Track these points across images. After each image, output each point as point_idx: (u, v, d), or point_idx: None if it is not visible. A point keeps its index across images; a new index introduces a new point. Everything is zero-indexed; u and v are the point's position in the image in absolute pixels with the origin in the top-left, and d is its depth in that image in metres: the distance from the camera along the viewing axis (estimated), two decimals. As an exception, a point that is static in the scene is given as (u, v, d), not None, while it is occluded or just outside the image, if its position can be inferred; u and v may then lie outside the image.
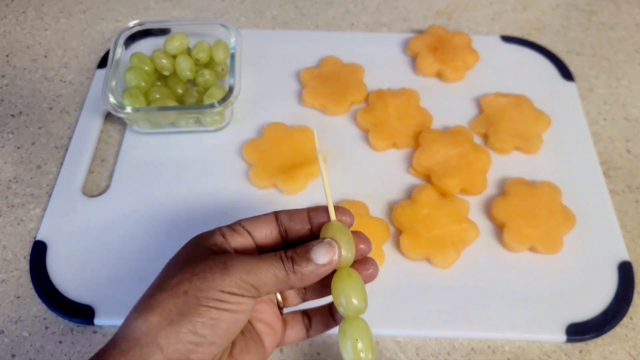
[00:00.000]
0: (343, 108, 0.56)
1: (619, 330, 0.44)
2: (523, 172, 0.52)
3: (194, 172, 0.51)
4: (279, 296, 0.34)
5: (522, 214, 0.47)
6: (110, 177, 0.52)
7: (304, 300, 0.35)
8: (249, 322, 0.32)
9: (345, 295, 0.31)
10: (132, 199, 0.50)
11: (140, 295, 0.43)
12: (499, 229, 0.48)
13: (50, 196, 0.50)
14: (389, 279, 0.45)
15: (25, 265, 0.46)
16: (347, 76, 0.58)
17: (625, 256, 0.47)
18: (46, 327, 0.43)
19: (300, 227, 0.32)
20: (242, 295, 0.28)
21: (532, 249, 0.47)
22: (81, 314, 0.43)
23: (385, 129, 0.53)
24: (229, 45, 0.56)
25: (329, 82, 0.57)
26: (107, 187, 0.51)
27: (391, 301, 0.44)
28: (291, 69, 0.60)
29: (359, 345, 0.31)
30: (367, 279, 0.33)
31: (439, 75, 0.59)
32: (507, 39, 0.64)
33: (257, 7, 0.68)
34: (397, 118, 0.54)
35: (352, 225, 0.33)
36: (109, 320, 0.43)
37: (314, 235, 0.32)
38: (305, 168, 0.50)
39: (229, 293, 0.28)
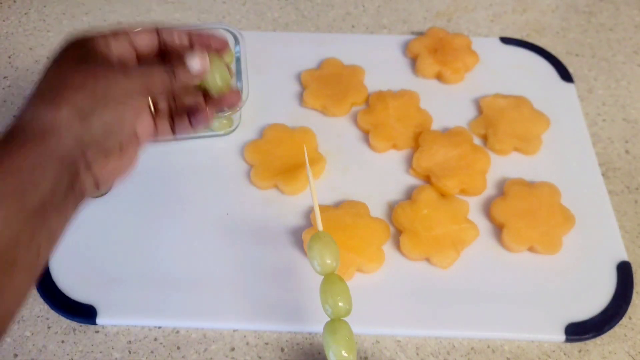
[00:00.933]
0: (343, 109, 0.56)
1: (618, 330, 0.44)
2: (522, 172, 0.52)
3: (195, 173, 0.52)
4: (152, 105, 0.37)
5: (522, 215, 0.48)
6: (112, 177, 0.52)
7: (174, 133, 0.39)
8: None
9: (333, 298, 0.36)
10: (134, 200, 0.50)
11: (140, 296, 0.44)
12: (499, 230, 0.48)
13: (52, 197, 0.50)
14: (389, 279, 0.45)
15: (27, 265, 0.47)
16: (347, 78, 0.58)
17: (624, 256, 0.47)
18: (48, 327, 0.43)
19: (179, 43, 0.37)
20: (140, 95, 0.33)
21: (531, 250, 0.47)
22: (83, 313, 0.43)
23: (386, 130, 0.54)
24: (233, 50, 0.56)
25: (329, 83, 0.57)
26: (109, 187, 0.51)
27: (391, 301, 0.44)
28: (292, 71, 0.60)
29: (343, 352, 0.35)
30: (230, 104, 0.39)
31: (439, 77, 0.60)
32: (507, 40, 0.64)
33: (258, 9, 0.68)
34: (397, 119, 0.55)
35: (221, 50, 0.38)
36: (111, 320, 0.43)
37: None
38: (305, 169, 0.50)
39: (130, 93, 0.32)
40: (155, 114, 0.37)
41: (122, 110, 0.31)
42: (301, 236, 0.47)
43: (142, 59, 0.35)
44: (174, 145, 0.54)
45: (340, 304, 0.36)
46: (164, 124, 0.38)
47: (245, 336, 0.43)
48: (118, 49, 0.33)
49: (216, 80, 0.37)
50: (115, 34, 0.34)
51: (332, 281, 0.37)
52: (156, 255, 0.46)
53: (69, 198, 0.30)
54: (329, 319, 0.36)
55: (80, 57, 0.32)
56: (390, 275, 0.46)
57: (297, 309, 0.44)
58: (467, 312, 0.44)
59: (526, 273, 0.46)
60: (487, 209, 0.49)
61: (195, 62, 0.34)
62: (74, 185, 0.30)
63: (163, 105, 0.38)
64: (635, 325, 0.44)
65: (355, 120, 0.56)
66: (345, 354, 0.35)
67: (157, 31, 0.36)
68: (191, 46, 0.37)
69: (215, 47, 0.38)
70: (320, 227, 0.37)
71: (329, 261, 0.37)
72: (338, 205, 0.49)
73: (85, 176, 0.31)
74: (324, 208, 0.48)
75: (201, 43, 0.37)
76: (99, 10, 0.67)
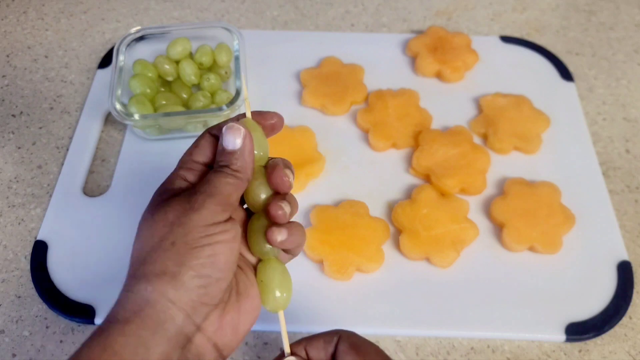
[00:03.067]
0: (343, 108, 0.56)
1: (618, 329, 0.44)
2: (522, 172, 0.52)
3: (195, 172, 0.52)
4: None
5: (522, 214, 0.48)
6: (111, 177, 0.52)
7: None
8: (244, 276, 0.31)
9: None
10: (133, 199, 0.50)
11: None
12: (499, 229, 0.48)
13: (50, 196, 0.50)
14: (389, 278, 0.45)
15: (26, 264, 0.46)
16: (347, 76, 0.58)
17: (624, 256, 0.47)
18: (47, 327, 0.43)
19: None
20: (221, 221, 0.28)
21: (531, 249, 0.47)
22: (82, 313, 0.43)
23: (385, 129, 0.53)
24: (232, 48, 0.56)
25: (329, 82, 0.57)
26: (108, 187, 0.51)
27: (391, 301, 0.44)
28: (291, 69, 0.60)
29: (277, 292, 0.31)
30: (270, 130, 0.33)
31: (439, 76, 0.60)
32: (507, 39, 0.64)
33: (257, 7, 0.68)
34: (397, 118, 0.54)
35: (277, 127, 0.34)
36: (109, 319, 0.43)
37: None
38: (305, 168, 0.50)
39: (211, 225, 0.28)
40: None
41: (211, 250, 0.27)
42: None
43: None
44: (173, 145, 0.54)
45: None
46: None
47: (244, 336, 0.43)
48: (195, 178, 0.31)
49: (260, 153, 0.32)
50: (188, 167, 0.31)
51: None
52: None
53: None
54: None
55: (158, 208, 0.29)
56: (390, 275, 0.45)
57: (296, 309, 0.43)
58: (467, 312, 0.44)
59: (526, 273, 0.46)
60: (487, 209, 0.49)
61: (230, 140, 0.30)
62: (189, 357, 0.27)
63: None
64: (636, 325, 0.44)
65: (354, 119, 0.56)
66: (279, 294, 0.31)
67: (209, 134, 0.32)
68: None
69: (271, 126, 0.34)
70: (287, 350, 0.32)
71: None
72: (338, 204, 0.49)
73: (203, 344, 0.28)
74: (323, 207, 0.48)
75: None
76: (97, 9, 0.67)
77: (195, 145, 0.32)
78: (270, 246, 0.31)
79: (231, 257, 0.28)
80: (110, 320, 0.26)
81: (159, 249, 0.27)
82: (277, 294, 0.31)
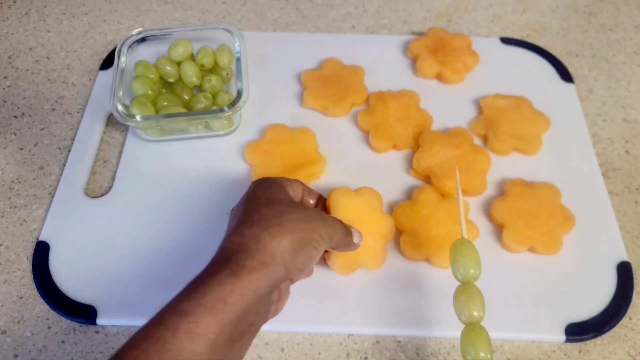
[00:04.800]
0: (344, 109, 0.56)
1: (618, 330, 0.44)
2: (522, 173, 0.52)
3: (196, 173, 0.52)
4: None
5: (522, 215, 0.48)
6: (113, 178, 0.52)
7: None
8: None
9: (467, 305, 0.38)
10: (135, 200, 0.50)
11: (140, 297, 0.44)
12: (499, 230, 0.48)
13: (52, 197, 0.50)
14: (389, 278, 0.45)
15: (27, 265, 0.47)
16: (347, 78, 0.58)
17: (624, 256, 0.47)
18: (49, 327, 0.43)
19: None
20: (326, 243, 0.37)
21: (531, 250, 0.47)
22: (83, 314, 0.43)
23: (386, 130, 0.54)
24: (233, 50, 0.56)
25: (329, 83, 0.57)
26: (110, 188, 0.51)
27: (391, 301, 0.44)
28: (292, 71, 0.60)
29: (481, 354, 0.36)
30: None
31: (439, 77, 0.60)
32: (507, 40, 0.64)
33: (258, 9, 0.68)
34: (397, 119, 0.55)
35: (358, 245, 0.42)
36: (111, 320, 0.43)
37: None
38: (306, 169, 0.50)
39: (322, 239, 0.37)
40: None
41: (315, 252, 0.36)
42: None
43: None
44: (174, 146, 0.54)
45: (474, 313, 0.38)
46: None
47: (245, 336, 0.43)
48: (296, 194, 0.41)
49: (476, 272, 0.40)
50: (290, 180, 0.41)
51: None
52: (156, 255, 0.46)
53: (266, 319, 0.36)
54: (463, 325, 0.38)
55: (282, 193, 0.39)
56: (390, 275, 0.46)
57: (297, 309, 0.44)
58: (467, 312, 0.44)
59: (526, 273, 0.46)
60: (487, 209, 0.49)
61: (358, 238, 0.41)
62: (269, 310, 0.36)
63: None
64: (636, 325, 0.44)
65: (355, 120, 0.56)
66: (483, 355, 0.36)
67: (302, 184, 0.42)
68: (317, 204, 0.45)
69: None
70: (464, 233, 0.41)
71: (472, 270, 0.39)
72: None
73: (278, 302, 0.37)
74: (344, 190, 0.46)
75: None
76: (99, 10, 0.67)
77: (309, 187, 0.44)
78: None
79: (317, 261, 0.38)
80: (237, 262, 0.33)
81: (296, 225, 0.35)
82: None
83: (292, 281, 0.36)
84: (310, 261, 0.36)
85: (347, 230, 0.40)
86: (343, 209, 0.45)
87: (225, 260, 0.33)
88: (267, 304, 0.35)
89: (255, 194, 0.38)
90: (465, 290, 0.39)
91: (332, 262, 0.44)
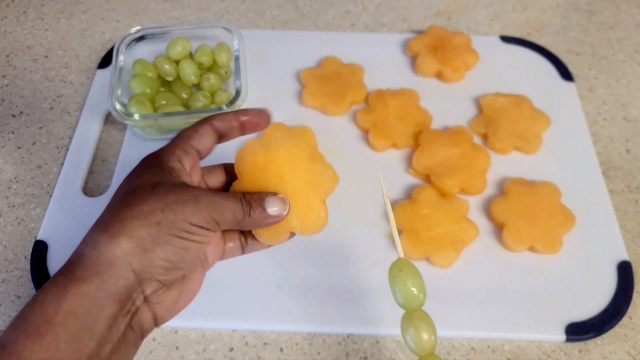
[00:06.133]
0: (343, 108, 0.56)
1: (619, 329, 0.44)
2: (522, 172, 0.52)
3: (194, 172, 0.51)
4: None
5: (522, 214, 0.47)
6: (111, 177, 0.52)
7: (243, 253, 0.36)
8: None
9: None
10: (133, 199, 0.50)
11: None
12: (499, 229, 0.48)
13: (50, 196, 0.50)
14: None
15: (26, 264, 0.46)
16: (347, 76, 0.58)
17: (624, 256, 0.47)
18: (47, 327, 0.43)
19: (231, 126, 0.35)
20: (208, 229, 0.30)
21: (531, 249, 0.47)
22: (82, 313, 0.43)
23: (385, 129, 0.53)
24: (232, 48, 0.56)
25: (329, 82, 0.57)
26: (108, 187, 0.51)
27: (391, 301, 0.44)
28: (291, 69, 0.60)
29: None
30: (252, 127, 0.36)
31: (439, 76, 0.60)
32: (507, 39, 0.64)
33: (257, 7, 0.68)
34: (397, 118, 0.54)
35: (266, 125, 0.36)
36: (109, 319, 0.43)
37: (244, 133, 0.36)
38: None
39: (198, 226, 0.30)
40: (224, 236, 0.35)
41: (187, 244, 0.30)
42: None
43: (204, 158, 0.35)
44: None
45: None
46: (234, 247, 0.36)
47: (244, 336, 0.43)
48: (188, 164, 0.33)
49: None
50: (184, 149, 0.33)
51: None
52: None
53: (127, 336, 0.29)
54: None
55: (154, 177, 0.31)
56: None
57: (296, 309, 0.43)
58: (467, 312, 0.44)
59: (526, 273, 0.46)
60: (487, 209, 0.49)
61: (279, 207, 0.33)
62: (132, 323, 0.29)
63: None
64: (636, 325, 0.44)
65: (354, 119, 0.56)
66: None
67: (211, 125, 0.34)
68: (241, 129, 0.36)
69: (261, 125, 0.36)
70: (401, 253, 0.36)
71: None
72: (338, 204, 0.48)
73: (145, 312, 0.30)
74: (254, 144, 0.38)
75: (250, 127, 0.36)
76: (97, 9, 0.67)
77: (194, 130, 0.34)
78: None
79: (197, 256, 0.31)
80: (67, 275, 0.28)
81: (143, 219, 0.29)
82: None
83: (160, 282, 0.30)
84: (181, 254, 0.29)
85: (247, 206, 0.32)
86: (252, 170, 0.35)
87: (58, 274, 0.28)
88: (123, 317, 0.28)
89: (122, 183, 0.32)
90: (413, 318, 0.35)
91: (256, 234, 0.35)
